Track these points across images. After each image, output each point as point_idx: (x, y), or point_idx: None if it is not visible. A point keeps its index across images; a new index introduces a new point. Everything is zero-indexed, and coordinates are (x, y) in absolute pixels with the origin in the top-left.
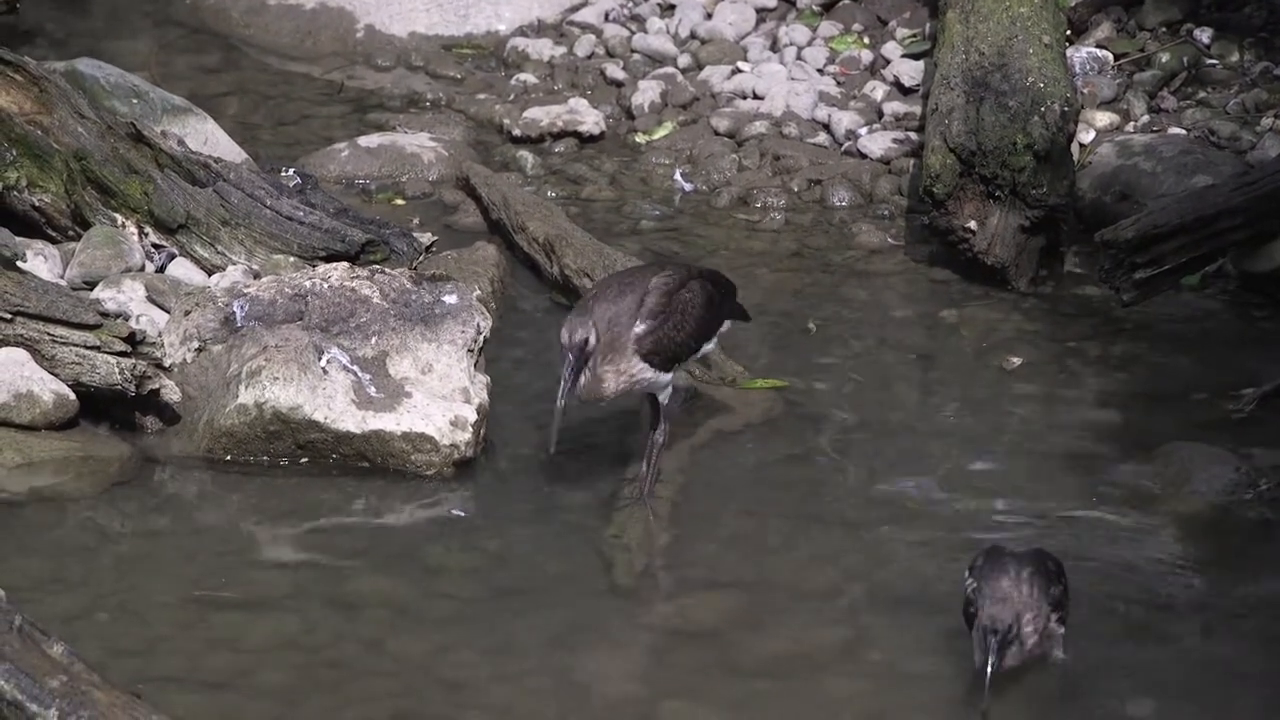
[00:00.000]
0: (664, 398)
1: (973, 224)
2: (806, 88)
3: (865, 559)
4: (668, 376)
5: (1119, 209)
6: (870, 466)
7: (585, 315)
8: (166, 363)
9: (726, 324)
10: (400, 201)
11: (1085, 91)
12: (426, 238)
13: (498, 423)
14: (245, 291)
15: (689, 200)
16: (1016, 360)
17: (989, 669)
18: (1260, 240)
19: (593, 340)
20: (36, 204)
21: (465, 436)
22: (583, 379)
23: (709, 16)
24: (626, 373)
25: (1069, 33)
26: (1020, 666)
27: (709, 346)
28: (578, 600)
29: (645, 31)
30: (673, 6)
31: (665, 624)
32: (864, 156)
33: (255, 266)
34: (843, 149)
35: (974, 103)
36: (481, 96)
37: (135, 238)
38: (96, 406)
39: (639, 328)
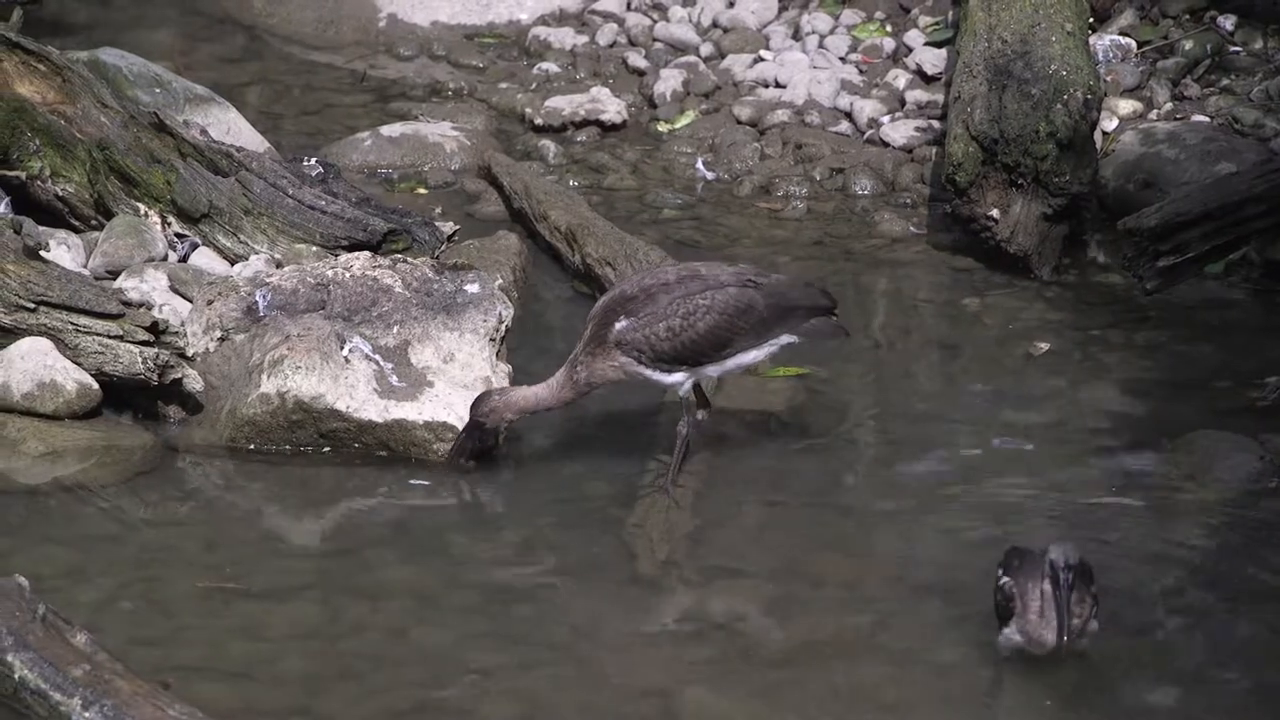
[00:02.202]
0: (680, 393)
1: (995, 212)
2: (828, 76)
3: (888, 547)
4: (676, 377)
5: (1142, 197)
6: (892, 455)
7: (487, 400)
8: (189, 352)
9: (786, 338)
10: (422, 190)
11: (1108, 79)
12: (448, 227)
13: None
14: (268, 281)
15: (711, 189)
16: (1044, 345)
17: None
18: None
19: (489, 424)
20: (60, 193)
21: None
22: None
23: (731, 5)
24: (606, 366)
25: (1092, 20)
26: (1044, 657)
27: (750, 355)
28: (600, 589)
29: (667, 20)
30: None
31: (687, 612)
32: (886, 145)
33: (277, 256)
34: (865, 137)
35: (997, 91)
36: (503, 86)
37: (158, 227)
38: (119, 396)
39: (619, 324)
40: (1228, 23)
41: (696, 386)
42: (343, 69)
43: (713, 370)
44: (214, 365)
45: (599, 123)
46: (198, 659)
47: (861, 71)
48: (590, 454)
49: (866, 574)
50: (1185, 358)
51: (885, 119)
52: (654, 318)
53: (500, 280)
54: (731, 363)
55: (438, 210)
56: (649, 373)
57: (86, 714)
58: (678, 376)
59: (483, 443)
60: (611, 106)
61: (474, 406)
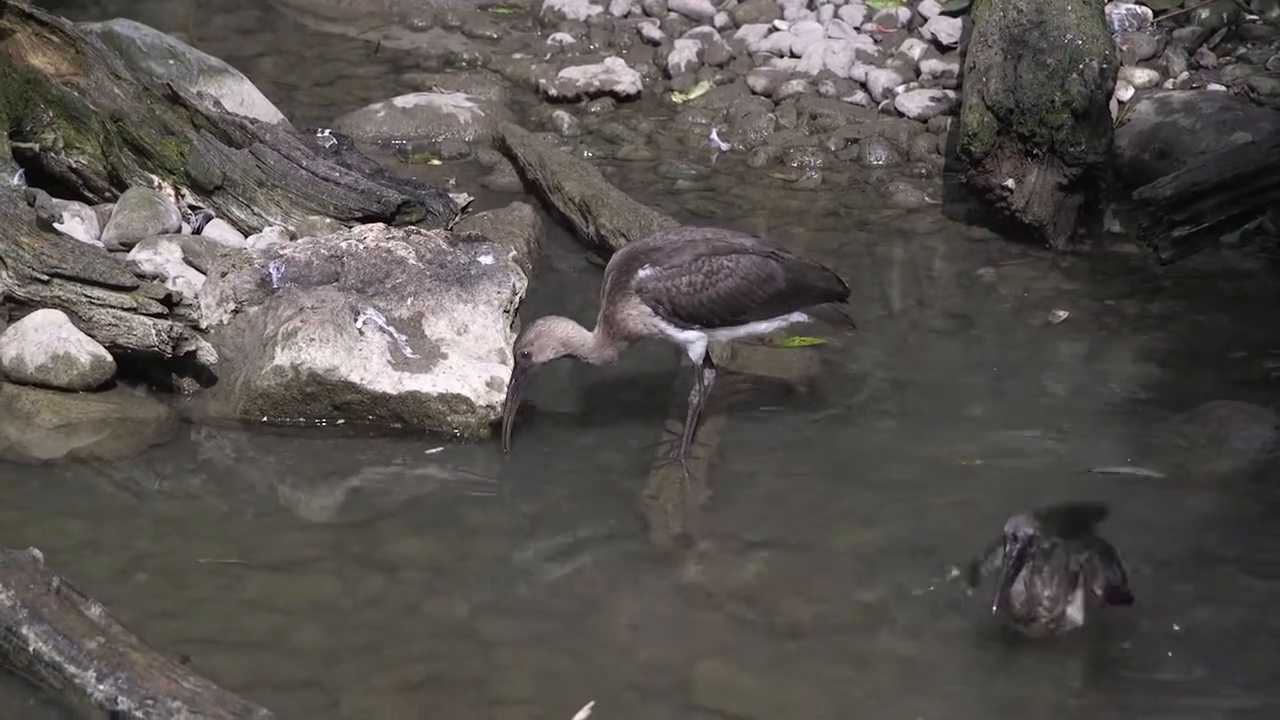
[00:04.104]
0: (694, 356)
1: (1010, 182)
2: (843, 46)
3: (902, 519)
4: (689, 335)
5: (1158, 166)
6: (907, 426)
7: (532, 335)
8: (203, 324)
9: (798, 316)
10: (436, 162)
11: (1124, 48)
12: (462, 198)
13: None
14: (281, 253)
15: (725, 160)
16: (1063, 313)
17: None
18: None
19: (537, 359)
20: (73, 165)
21: (501, 397)
22: (580, 356)
23: None
24: (632, 316)
25: None
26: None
27: (760, 326)
28: (613, 561)
29: None
30: None
31: (701, 585)
32: (901, 115)
33: (291, 228)
34: (880, 107)
35: (1012, 60)
36: (518, 56)
37: (172, 199)
38: (133, 368)
39: (643, 272)
40: None
41: (706, 353)
42: (356, 40)
43: (724, 335)
44: (228, 337)
45: (613, 93)
46: (212, 631)
47: (876, 41)
48: (604, 425)
49: (881, 545)
50: (1201, 328)
51: (900, 89)
52: (678, 270)
53: (514, 252)
54: (744, 330)
55: (451, 182)
56: (663, 324)
57: (101, 686)
58: (690, 334)
59: (530, 389)
60: (626, 77)
61: (518, 340)
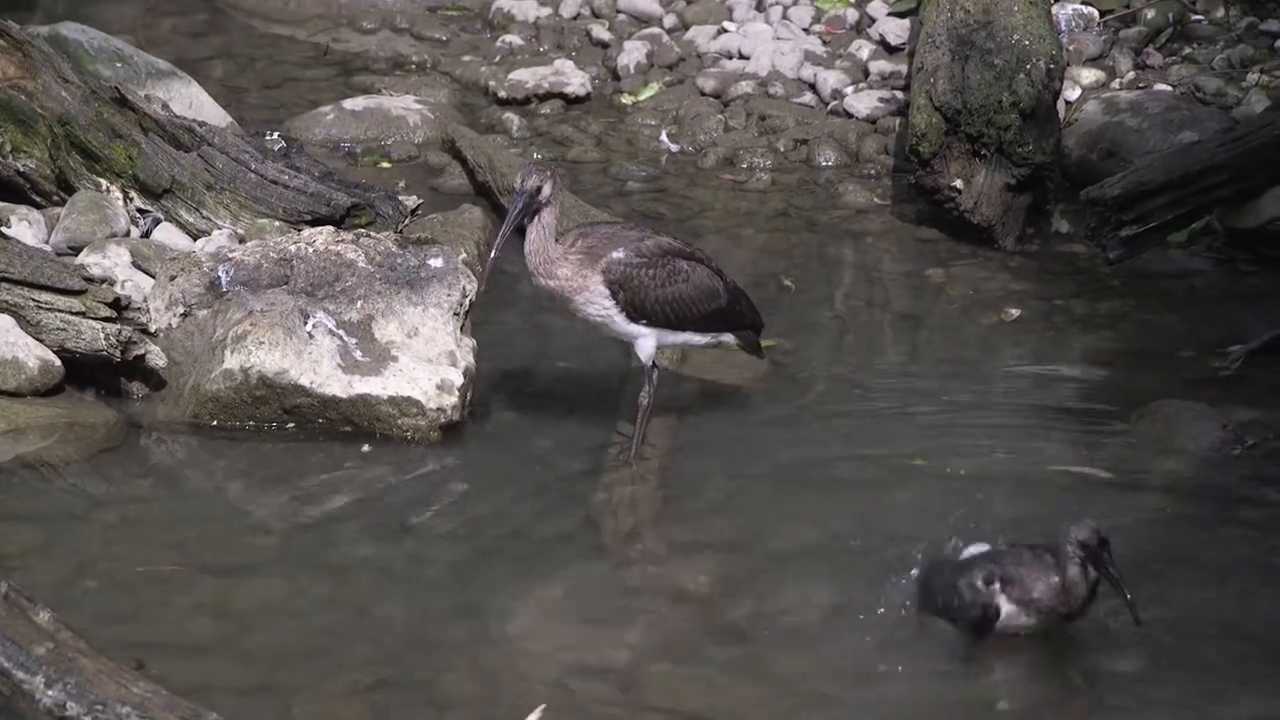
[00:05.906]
0: (643, 356)
1: (959, 183)
2: (792, 47)
3: (853, 520)
4: (634, 328)
5: (1105, 166)
6: (857, 427)
7: (544, 167)
8: (152, 328)
9: (728, 336)
10: (386, 165)
11: (1071, 48)
12: (412, 201)
13: (485, 386)
14: (230, 256)
15: (675, 161)
16: (1015, 312)
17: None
18: (1246, 196)
19: (546, 190)
20: (21, 169)
21: (452, 400)
22: (535, 236)
23: None
24: (582, 284)
25: None
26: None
27: (696, 338)
28: (565, 564)
29: None
30: None
31: (652, 587)
32: (850, 116)
33: (240, 231)
34: (829, 108)
35: (960, 61)
36: (467, 58)
37: (120, 203)
38: (82, 372)
39: (617, 253)
40: None
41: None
42: (305, 43)
43: (668, 339)
44: (177, 341)
45: (563, 95)
46: (162, 636)
47: (825, 42)
48: (554, 428)
49: (832, 546)
50: (1148, 327)
51: (849, 90)
52: (646, 263)
53: (464, 254)
54: (682, 337)
55: (401, 184)
56: (614, 312)
57: (50, 692)
58: (636, 329)
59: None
60: (575, 79)
61: (531, 173)
